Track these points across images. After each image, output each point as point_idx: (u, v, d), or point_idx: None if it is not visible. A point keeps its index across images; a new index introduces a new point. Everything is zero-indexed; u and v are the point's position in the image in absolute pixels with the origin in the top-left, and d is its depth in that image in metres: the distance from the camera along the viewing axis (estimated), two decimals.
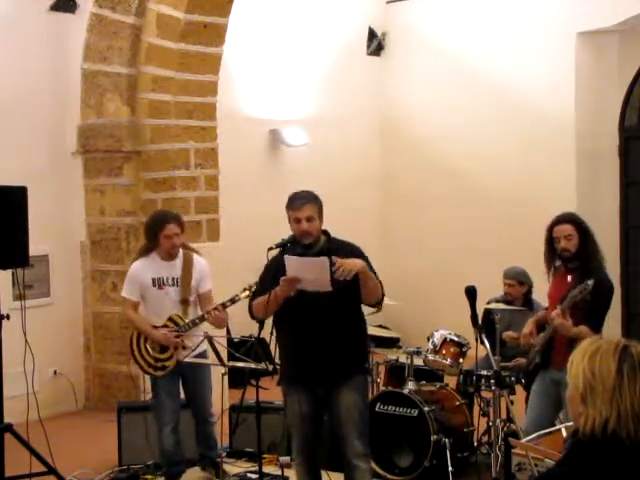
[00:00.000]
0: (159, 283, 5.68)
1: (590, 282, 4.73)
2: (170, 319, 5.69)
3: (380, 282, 4.70)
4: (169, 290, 5.69)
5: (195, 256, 5.81)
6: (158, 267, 5.69)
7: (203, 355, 5.72)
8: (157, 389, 5.76)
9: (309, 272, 4.49)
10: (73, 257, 8.06)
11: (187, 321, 5.67)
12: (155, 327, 5.70)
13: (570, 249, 5.02)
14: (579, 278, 4.97)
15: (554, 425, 4.79)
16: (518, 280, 6.54)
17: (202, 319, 5.66)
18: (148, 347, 5.73)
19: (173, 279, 5.69)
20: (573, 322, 4.81)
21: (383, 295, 4.72)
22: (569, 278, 5.07)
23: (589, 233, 5.07)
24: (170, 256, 5.70)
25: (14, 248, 5.28)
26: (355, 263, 4.48)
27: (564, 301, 4.83)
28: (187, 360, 5.60)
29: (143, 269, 5.71)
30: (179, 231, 5.67)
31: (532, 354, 5.22)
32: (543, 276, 5.33)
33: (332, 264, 4.42)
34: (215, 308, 5.60)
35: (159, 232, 5.63)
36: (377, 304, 4.74)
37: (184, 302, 5.71)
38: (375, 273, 4.68)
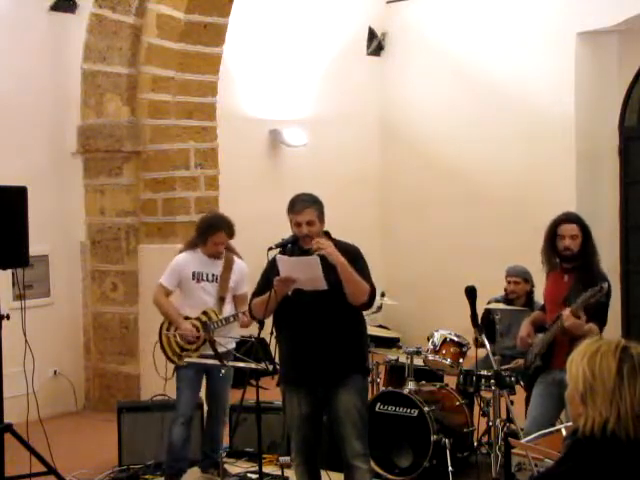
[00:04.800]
0: (198, 277, 5.87)
1: (605, 285, 4.73)
2: (205, 312, 5.84)
3: (372, 285, 4.65)
4: (206, 285, 5.86)
5: (236, 259, 5.99)
6: (201, 262, 5.88)
7: (228, 354, 5.68)
8: (180, 381, 5.84)
9: (301, 272, 4.51)
10: (73, 257, 8.07)
11: (221, 317, 5.83)
12: (187, 318, 5.85)
13: (573, 249, 5.03)
14: (578, 278, 4.98)
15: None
16: (524, 277, 6.55)
17: (235, 318, 5.85)
18: (177, 336, 5.83)
19: (213, 275, 5.88)
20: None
21: (371, 298, 4.65)
22: (566, 278, 5.08)
23: (591, 235, 5.10)
24: (213, 257, 5.90)
25: (14, 248, 5.28)
26: (332, 250, 4.50)
27: (573, 302, 4.81)
28: (190, 360, 5.67)
29: (187, 262, 5.89)
30: (226, 240, 5.90)
31: (531, 355, 5.21)
32: (544, 276, 5.33)
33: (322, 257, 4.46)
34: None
35: (209, 236, 5.83)
36: (362, 306, 4.67)
37: (220, 299, 5.89)
38: (367, 273, 4.66)
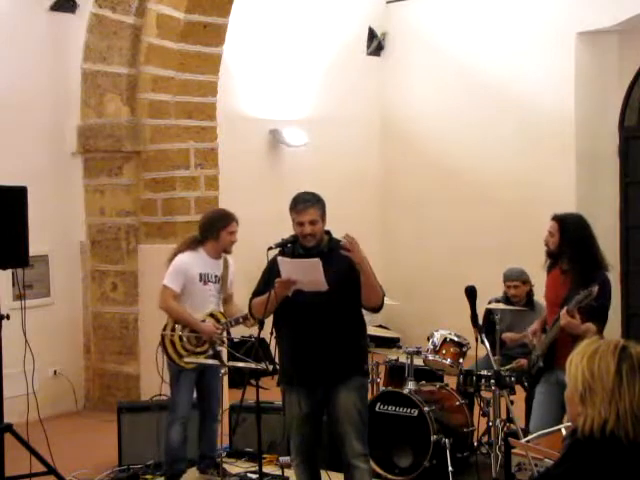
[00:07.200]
0: (205, 279, 5.74)
1: (595, 288, 4.74)
2: (211, 315, 5.77)
3: (380, 287, 4.69)
4: (211, 287, 5.77)
5: (229, 257, 5.90)
6: (205, 263, 5.76)
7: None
8: (178, 382, 5.75)
9: (302, 273, 4.51)
10: (73, 257, 8.07)
11: (229, 319, 5.77)
12: None
13: (548, 245, 5.10)
14: (573, 280, 4.99)
15: None
16: (522, 280, 6.54)
17: (244, 319, 5.67)
18: (184, 338, 5.71)
19: (216, 277, 5.79)
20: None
21: (383, 301, 4.70)
22: (561, 279, 5.09)
23: (574, 236, 5.05)
24: (219, 254, 5.78)
25: (14, 248, 5.28)
26: (363, 256, 4.48)
27: (568, 303, 4.83)
28: (197, 361, 5.65)
29: (192, 263, 5.72)
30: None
31: (534, 356, 5.22)
32: (543, 276, 5.33)
33: (330, 261, 4.45)
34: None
35: (223, 228, 5.72)
36: (375, 309, 4.71)
37: (224, 301, 5.85)
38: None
